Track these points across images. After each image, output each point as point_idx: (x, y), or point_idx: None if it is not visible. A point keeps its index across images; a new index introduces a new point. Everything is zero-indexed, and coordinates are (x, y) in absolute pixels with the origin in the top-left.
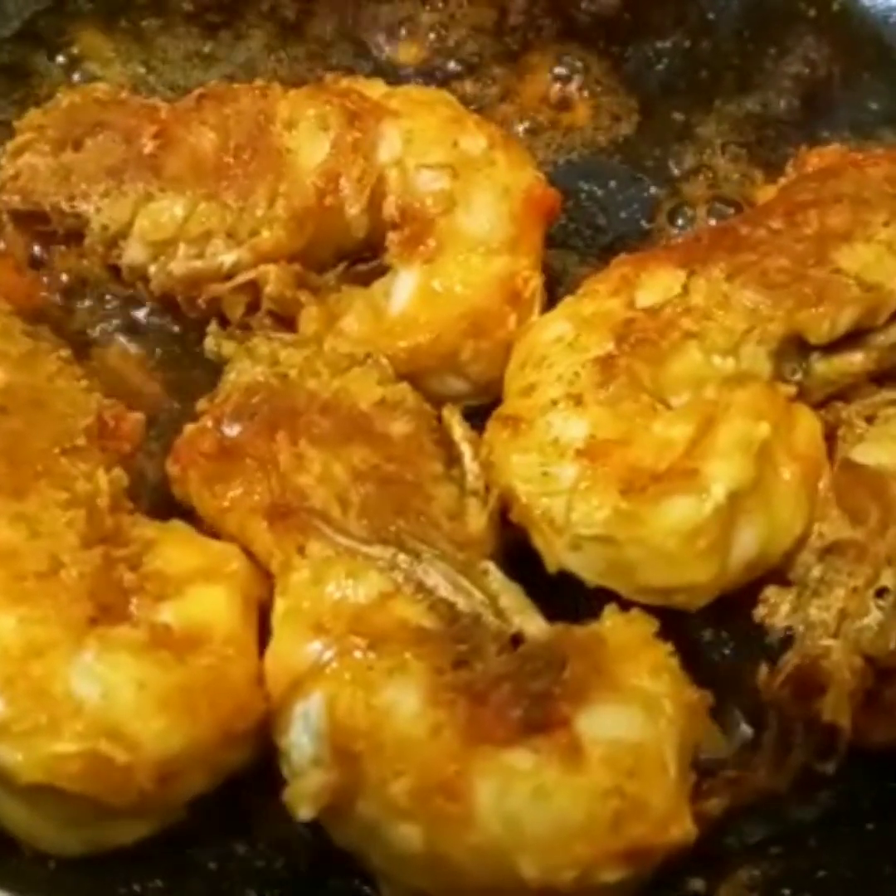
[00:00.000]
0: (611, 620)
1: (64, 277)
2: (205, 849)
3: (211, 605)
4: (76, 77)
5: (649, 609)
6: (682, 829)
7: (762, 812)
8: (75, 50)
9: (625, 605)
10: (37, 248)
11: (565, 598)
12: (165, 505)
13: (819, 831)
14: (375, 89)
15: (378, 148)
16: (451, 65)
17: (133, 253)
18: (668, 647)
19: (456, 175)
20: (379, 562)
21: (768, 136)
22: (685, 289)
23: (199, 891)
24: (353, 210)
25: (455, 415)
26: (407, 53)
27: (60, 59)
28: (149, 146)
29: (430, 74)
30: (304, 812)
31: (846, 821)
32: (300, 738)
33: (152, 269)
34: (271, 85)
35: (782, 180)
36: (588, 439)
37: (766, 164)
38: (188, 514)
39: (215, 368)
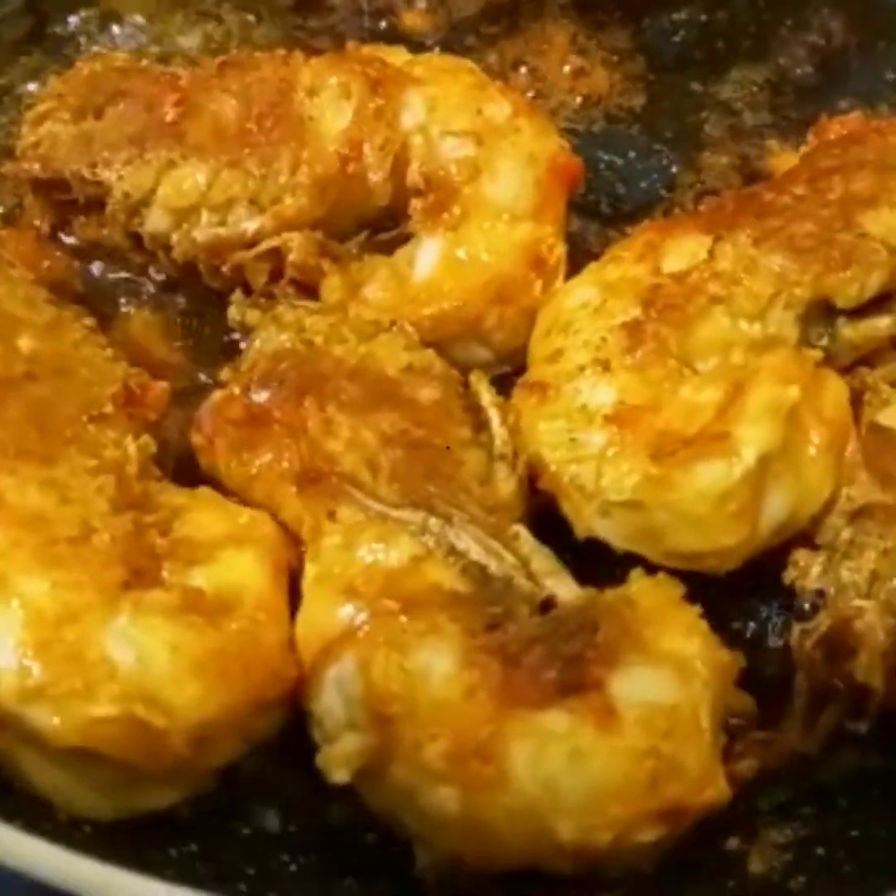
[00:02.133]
0: (638, 584)
1: (85, 246)
2: (238, 814)
3: (242, 570)
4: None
5: (678, 573)
6: (717, 790)
7: (793, 773)
8: (91, 17)
9: (650, 569)
10: (57, 217)
11: (590, 563)
12: (189, 474)
13: (851, 791)
14: (398, 57)
15: (401, 115)
16: (469, 37)
17: (155, 221)
18: (698, 608)
19: (480, 142)
20: (410, 526)
21: (784, 105)
22: (711, 254)
23: (233, 856)
24: (376, 177)
25: (483, 380)
26: (424, 26)
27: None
28: (171, 114)
29: (447, 46)
30: (339, 776)
31: (878, 781)
32: (333, 703)
33: (175, 236)
34: (293, 53)
35: (803, 148)
36: (616, 405)
37: (783, 133)
38: (212, 484)
39: (236, 338)
